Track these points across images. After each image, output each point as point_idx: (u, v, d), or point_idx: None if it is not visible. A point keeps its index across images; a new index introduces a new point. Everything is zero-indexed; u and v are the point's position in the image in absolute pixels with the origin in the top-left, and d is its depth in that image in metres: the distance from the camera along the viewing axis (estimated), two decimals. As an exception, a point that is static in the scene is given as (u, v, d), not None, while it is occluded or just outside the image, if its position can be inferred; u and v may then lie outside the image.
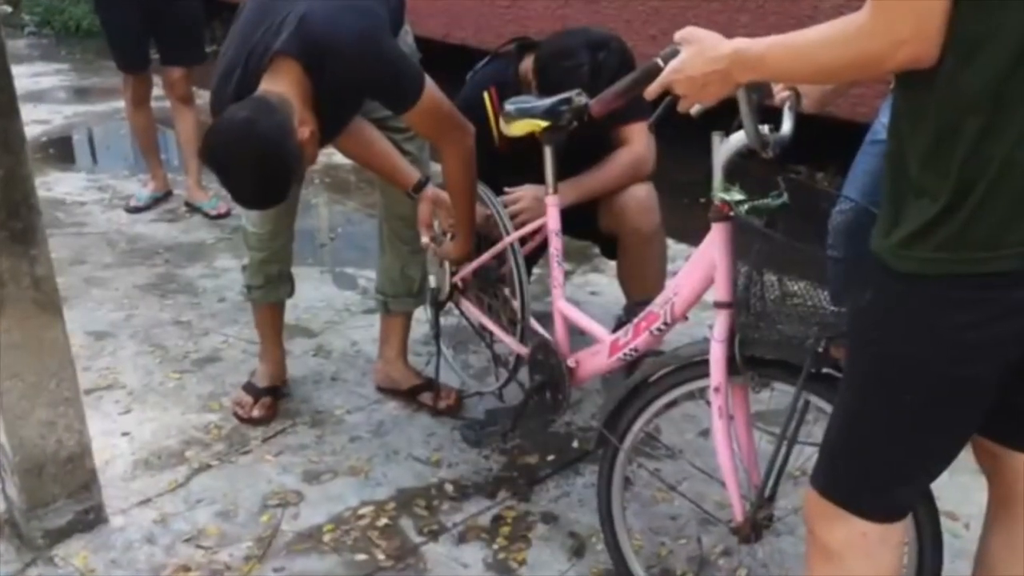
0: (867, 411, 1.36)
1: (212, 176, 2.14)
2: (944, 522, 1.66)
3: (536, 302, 2.92)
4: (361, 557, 2.24)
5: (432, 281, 2.82)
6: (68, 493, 2.28)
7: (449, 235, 2.53)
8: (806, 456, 1.70)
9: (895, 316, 1.28)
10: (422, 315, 2.93)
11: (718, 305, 1.74)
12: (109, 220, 4.33)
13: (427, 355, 2.99)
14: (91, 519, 2.33)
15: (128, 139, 5.06)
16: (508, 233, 2.44)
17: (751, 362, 1.73)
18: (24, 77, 6.62)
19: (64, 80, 7.08)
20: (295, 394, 2.90)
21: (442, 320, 2.79)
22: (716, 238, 1.73)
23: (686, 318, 1.92)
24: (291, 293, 2.83)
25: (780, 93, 1.70)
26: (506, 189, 2.54)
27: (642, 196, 2.58)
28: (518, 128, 2.22)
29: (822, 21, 1.23)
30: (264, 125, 1.97)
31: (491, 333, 2.60)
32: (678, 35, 1.47)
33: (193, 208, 4.38)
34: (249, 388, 2.82)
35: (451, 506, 2.40)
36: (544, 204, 2.29)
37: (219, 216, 4.27)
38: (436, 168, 2.43)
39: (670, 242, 2.81)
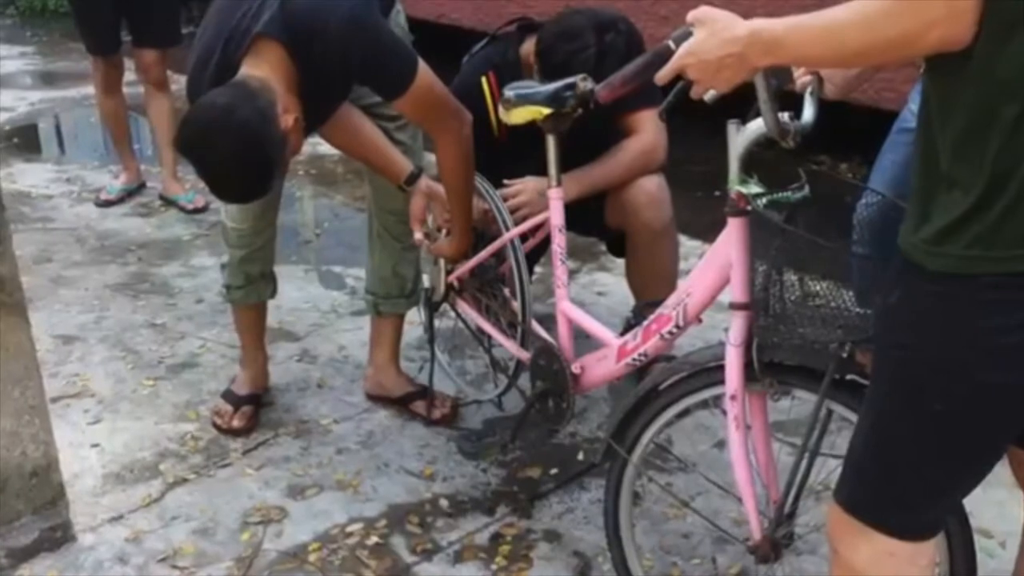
0: (894, 420, 1.36)
1: (189, 167, 2.15)
2: (978, 540, 1.66)
3: (538, 303, 2.93)
4: (349, 578, 2.24)
5: (426, 281, 2.82)
6: (33, 509, 2.28)
7: (444, 231, 2.53)
8: (829, 469, 1.70)
9: (924, 318, 1.28)
10: (415, 317, 2.93)
11: (734, 306, 1.74)
12: (78, 215, 4.34)
13: (420, 360, 2.99)
14: (58, 537, 2.33)
15: (98, 127, 5.07)
16: (508, 229, 2.44)
17: (770, 368, 1.73)
18: (-14, 61, 6.66)
19: (29, 64, 7.09)
20: (278, 403, 2.90)
21: (437, 322, 2.79)
22: (732, 234, 1.73)
23: (700, 321, 1.92)
24: (274, 294, 2.83)
25: (801, 78, 1.71)
26: (506, 181, 2.54)
27: (652, 189, 2.58)
28: (519, 116, 2.22)
29: (846, 0, 1.23)
30: (245, 112, 1.97)
31: (489, 336, 2.60)
32: (691, 15, 1.47)
33: (168, 202, 4.38)
34: (228, 396, 2.82)
35: (446, 523, 2.40)
36: (546, 198, 2.29)
37: (196, 210, 4.28)
38: (430, 158, 2.43)
39: (682, 239, 2.82)
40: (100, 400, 2.93)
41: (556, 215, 2.26)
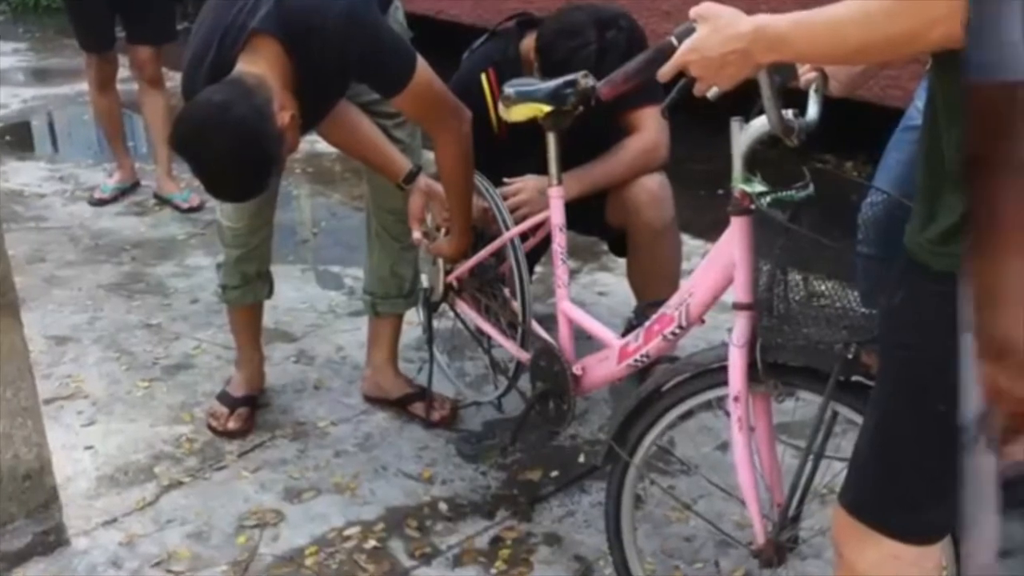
0: (898, 420, 1.37)
1: (184, 165, 2.15)
2: (984, 544, 1.66)
3: (538, 303, 2.92)
4: (347, 582, 2.24)
5: (424, 280, 2.83)
6: (26, 513, 2.29)
7: (443, 230, 2.53)
8: (834, 472, 1.70)
9: (929, 318, 1.28)
10: (414, 318, 2.93)
11: (738, 307, 1.75)
12: (71, 214, 4.33)
13: (419, 361, 2.99)
14: (51, 541, 2.33)
15: (92, 125, 5.06)
16: (508, 228, 2.44)
17: (774, 369, 1.73)
18: (-22, 57, 6.66)
19: (22, 60, 7.08)
20: (274, 404, 2.90)
21: (436, 323, 2.79)
22: (735, 233, 1.73)
23: (703, 321, 1.93)
24: (270, 294, 2.83)
25: (806, 75, 1.71)
26: (505, 180, 2.54)
27: (654, 188, 2.58)
28: (519, 113, 2.22)
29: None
30: (241, 109, 1.97)
31: (489, 337, 2.61)
32: (693, 11, 1.47)
33: (163, 200, 4.38)
34: (224, 398, 2.82)
35: (445, 527, 2.40)
36: (547, 196, 2.29)
37: (191, 209, 4.27)
38: (429, 157, 2.43)
39: (685, 238, 2.81)
40: (94, 402, 2.93)
41: (557, 214, 2.26)
